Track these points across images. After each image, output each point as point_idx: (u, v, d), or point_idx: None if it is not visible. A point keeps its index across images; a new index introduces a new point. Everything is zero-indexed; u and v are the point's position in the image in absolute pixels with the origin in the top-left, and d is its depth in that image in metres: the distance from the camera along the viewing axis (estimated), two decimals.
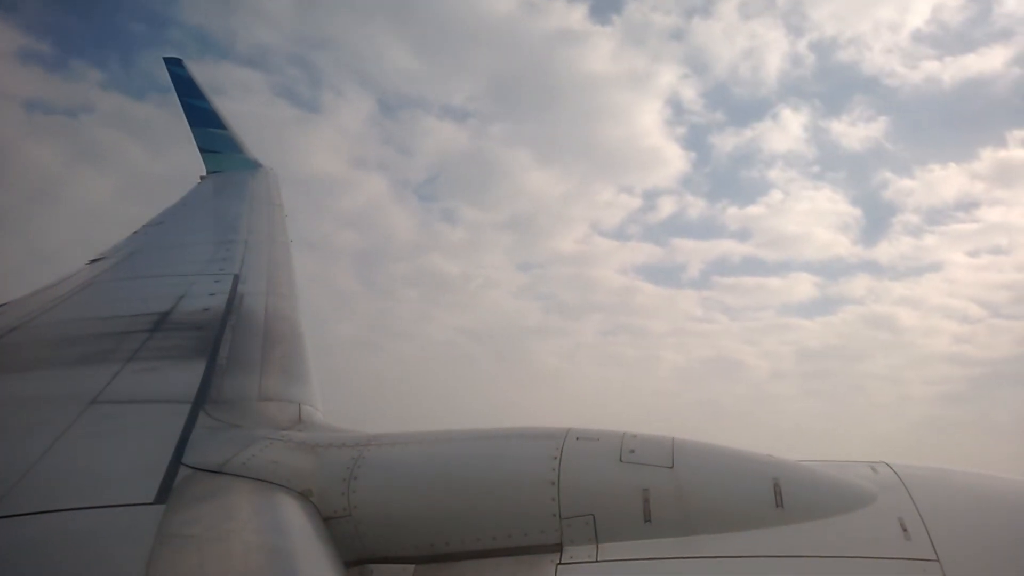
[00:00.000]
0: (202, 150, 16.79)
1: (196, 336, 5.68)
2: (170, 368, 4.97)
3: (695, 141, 59.39)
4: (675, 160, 57.20)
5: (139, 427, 4.10)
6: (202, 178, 16.43)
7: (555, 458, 3.56)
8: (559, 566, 3.31)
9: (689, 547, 3.28)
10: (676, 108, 55.73)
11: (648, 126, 56.47)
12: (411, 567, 3.53)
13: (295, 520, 3.34)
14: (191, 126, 16.77)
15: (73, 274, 8.39)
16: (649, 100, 58.29)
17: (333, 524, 3.48)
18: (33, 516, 3.06)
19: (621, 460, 3.55)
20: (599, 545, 3.36)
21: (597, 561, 3.30)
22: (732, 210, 56.13)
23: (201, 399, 4.41)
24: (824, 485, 3.52)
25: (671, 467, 3.50)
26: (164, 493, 3.26)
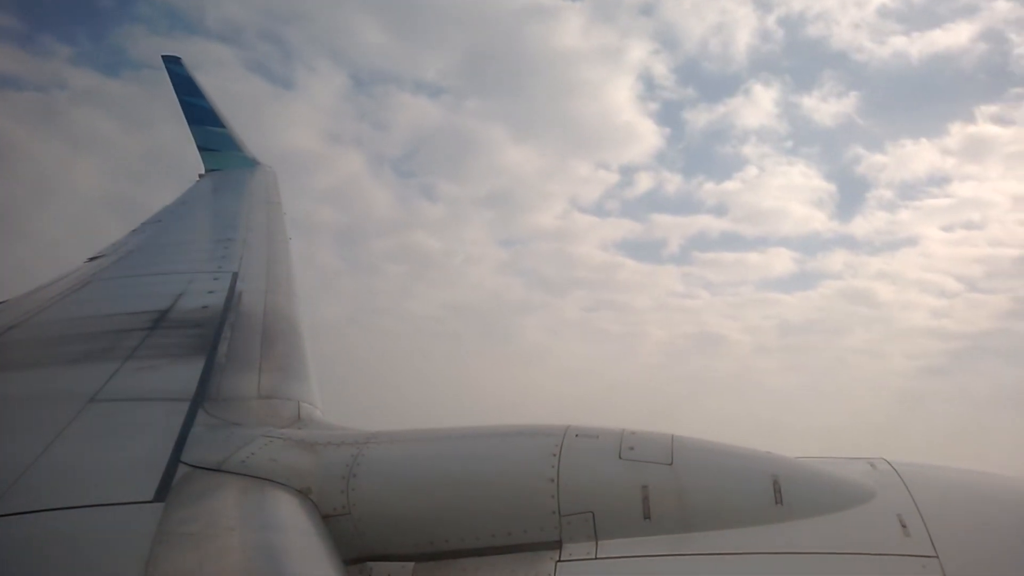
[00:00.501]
0: (201, 148, 16.79)
1: (195, 334, 5.67)
2: (169, 366, 4.97)
3: (669, 117, 59.48)
4: (649, 136, 57.34)
5: (138, 425, 4.09)
6: (201, 176, 16.44)
7: (554, 455, 3.56)
8: (559, 563, 3.31)
9: (688, 544, 3.28)
10: (648, 84, 55.84)
11: (621, 102, 56.56)
12: (411, 565, 3.53)
13: (294, 518, 3.34)
14: (190, 124, 16.77)
15: (72, 272, 8.38)
16: (621, 76, 58.34)
17: (332, 522, 3.48)
18: (32, 515, 3.06)
19: (620, 457, 3.55)
20: (598, 542, 3.36)
21: (596, 558, 3.30)
22: (708, 186, 56.34)
23: (200, 397, 4.41)
24: (823, 482, 3.52)
25: (670, 464, 3.50)
26: (163, 491, 3.26)
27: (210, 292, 6.86)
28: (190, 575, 2.70)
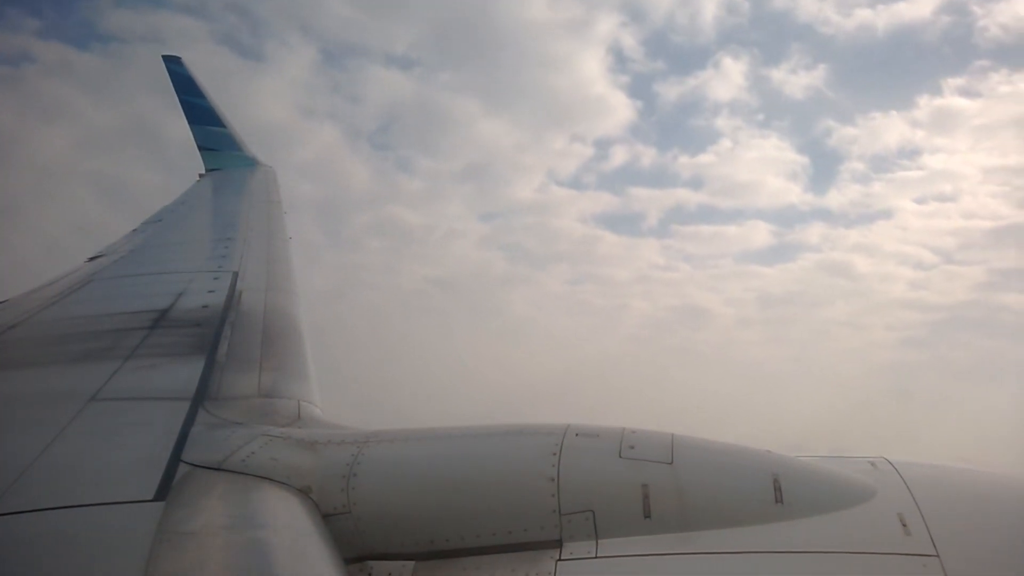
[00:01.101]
0: (201, 148, 16.79)
1: (195, 333, 5.67)
2: (169, 365, 4.97)
3: (640, 90, 59.63)
4: (622, 109, 57.49)
5: (138, 424, 4.09)
6: (201, 176, 16.45)
7: (555, 454, 3.56)
8: (559, 562, 3.31)
9: (689, 543, 3.28)
10: (618, 57, 55.97)
11: (592, 75, 56.66)
12: (411, 564, 3.53)
13: (295, 517, 3.33)
14: (190, 124, 16.77)
15: (72, 271, 8.39)
16: (590, 48, 58.48)
17: (333, 521, 3.48)
18: (33, 513, 3.06)
19: (621, 456, 3.54)
20: (599, 541, 3.36)
21: (597, 557, 3.30)
22: (683, 159, 56.55)
23: (200, 396, 4.41)
24: (824, 481, 3.52)
25: (671, 463, 3.50)
26: (164, 490, 3.25)
27: (210, 291, 6.86)
28: (191, 574, 2.70)
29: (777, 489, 3.40)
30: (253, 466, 3.58)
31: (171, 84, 16.64)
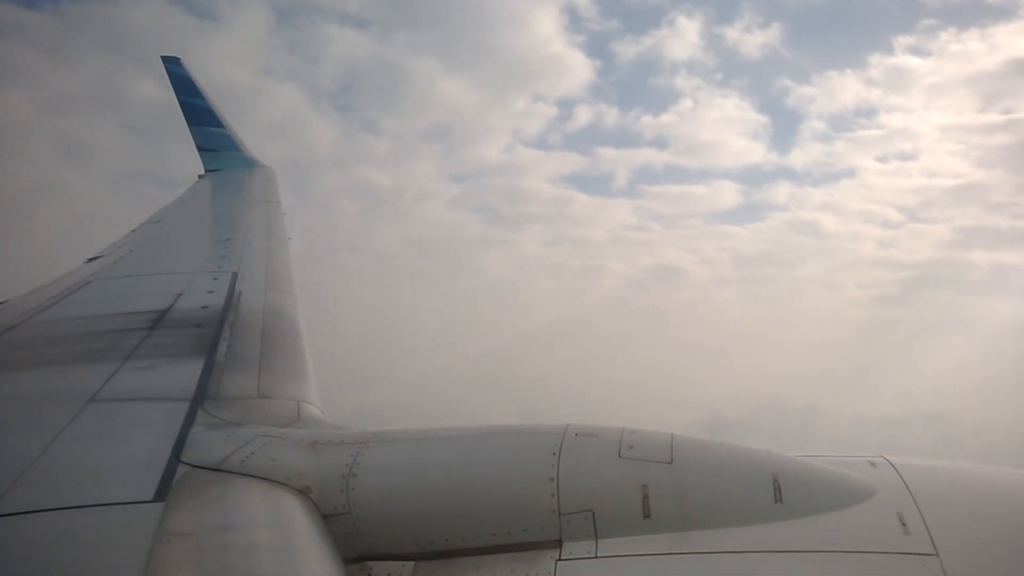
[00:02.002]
0: (200, 148, 16.80)
1: (195, 334, 5.67)
2: (169, 366, 4.97)
3: (597, 49, 60.01)
4: (581, 68, 57.96)
5: (138, 425, 4.09)
6: (200, 176, 16.45)
7: (554, 454, 3.56)
8: (559, 562, 3.31)
9: (688, 543, 3.28)
10: (572, 16, 56.27)
11: (548, 33, 57.09)
12: (411, 564, 3.53)
13: (294, 518, 3.33)
14: (189, 125, 16.77)
15: (71, 272, 8.39)
16: (544, 7, 58.85)
17: (332, 521, 3.48)
18: (32, 514, 3.06)
19: (620, 456, 3.54)
20: (598, 541, 3.36)
21: (596, 557, 3.30)
22: (646, 119, 56.99)
23: (200, 397, 4.41)
24: (823, 480, 3.52)
25: (670, 463, 3.50)
26: (163, 491, 3.25)
27: (210, 292, 6.87)
28: (190, 575, 2.70)
29: (776, 489, 3.40)
30: (252, 467, 3.58)
31: (170, 85, 16.64)
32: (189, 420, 4.04)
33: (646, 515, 3.37)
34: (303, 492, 3.55)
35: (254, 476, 3.54)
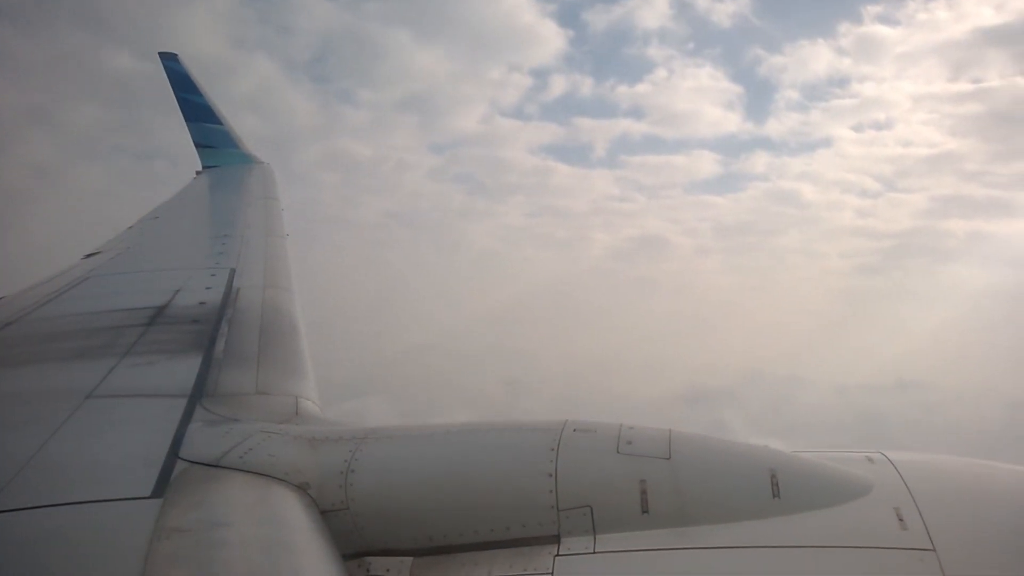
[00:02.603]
0: (198, 145, 16.80)
1: (192, 330, 5.67)
2: (166, 362, 4.96)
3: (569, 18, 60.12)
4: (554, 38, 57.91)
5: (136, 421, 4.09)
6: (198, 173, 16.45)
7: (552, 450, 3.56)
8: (557, 558, 3.31)
9: (686, 538, 3.29)
10: None
11: (520, 2, 56.75)
12: (409, 559, 3.53)
13: (293, 513, 3.33)
14: (187, 121, 16.76)
15: (69, 269, 8.37)
16: None
17: (331, 517, 3.48)
18: (30, 511, 3.06)
19: (618, 452, 3.55)
20: (597, 536, 3.36)
21: (595, 552, 3.30)
22: (622, 88, 57.15)
23: (198, 393, 4.41)
24: (820, 476, 3.52)
25: (668, 458, 3.51)
26: (161, 487, 3.25)
27: (208, 288, 6.86)
28: (188, 571, 2.70)
29: (774, 484, 3.40)
30: (251, 463, 3.58)
31: (168, 81, 16.61)
32: (187, 416, 4.04)
33: (644, 510, 3.37)
34: (301, 488, 3.55)
35: (252, 472, 3.54)
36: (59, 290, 7.19)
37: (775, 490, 3.39)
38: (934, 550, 3.10)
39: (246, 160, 16.91)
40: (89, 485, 3.28)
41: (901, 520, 3.25)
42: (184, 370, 4.74)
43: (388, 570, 3.52)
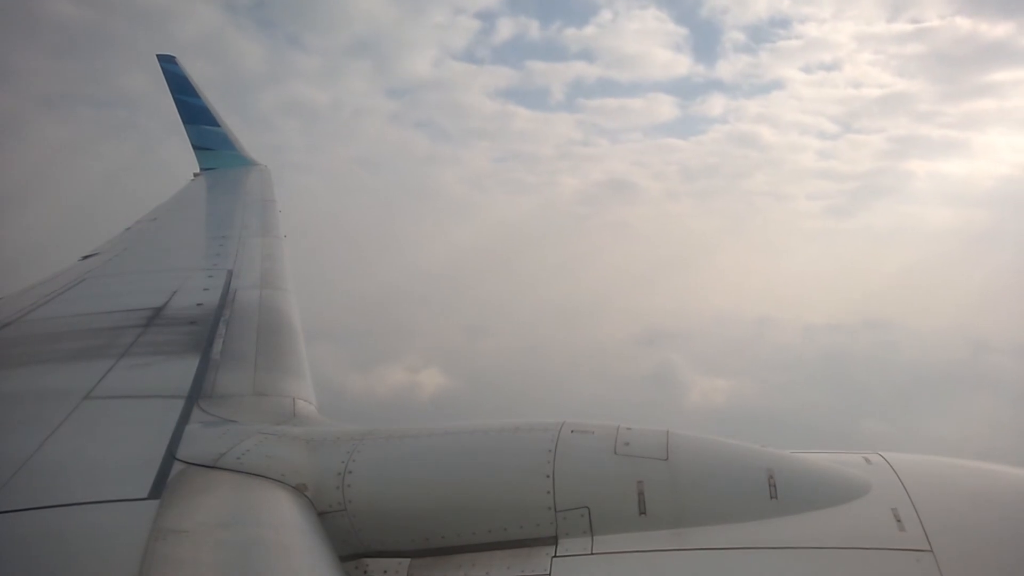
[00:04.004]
0: (196, 147, 16.82)
1: (190, 331, 5.67)
2: (164, 363, 4.96)
3: None
4: None
5: (133, 422, 4.09)
6: (196, 175, 16.45)
7: (550, 451, 3.56)
8: (554, 559, 3.31)
9: (684, 539, 3.29)
10: None
11: None
12: (407, 561, 3.53)
13: (290, 515, 3.33)
14: (185, 123, 16.79)
15: (66, 270, 8.37)
16: None
17: (328, 519, 3.48)
18: (27, 512, 3.05)
19: (616, 452, 3.55)
20: (594, 537, 3.36)
21: (592, 553, 3.30)
22: (570, 31, 57.02)
23: (195, 394, 4.40)
24: (818, 477, 3.52)
25: (666, 459, 3.51)
26: (158, 488, 3.24)
27: (205, 289, 6.86)
28: (186, 573, 2.69)
29: (772, 485, 3.40)
30: (248, 464, 3.58)
31: (165, 83, 16.62)
32: (184, 417, 4.04)
33: (642, 511, 3.37)
34: (299, 489, 3.54)
35: (249, 473, 3.54)
36: (57, 291, 7.19)
37: (773, 491, 3.39)
38: (932, 551, 3.10)
39: (243, 162, 16.93)
40: (86, 486, 3.28)
41: (899, 521, 3.25)
42: (181, 371, 4.74)
43: (385, 571, 3.51)
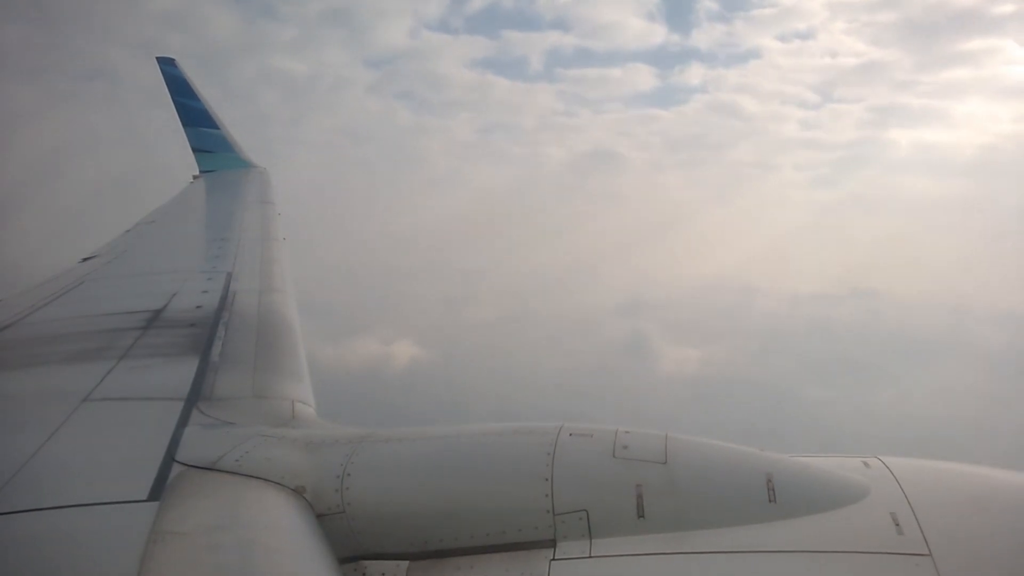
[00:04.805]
0: (195, 150, 16.84)
1: (189, 333, 5.67)
2: (163, 365, 4.96)
3: None
4: None
5: (132, 424, 4.09)
6: (195, 177, 16.46)
7: (548, 454, 3.56)
8: (553, 562, 3.31)
9: (682, 543, 3.29)
10: None
11: None
12: (405, 563, 3.53)
13: (288, 517, 3.33)
14: (184, 126, 16.81)
15: (66, 272, 8.37)
16: None
17: (327, 521, 3.48)
18: (27, 513, 3.05)
19: (614, 456, 3.55)
20: (592, 541, 3.36)
21: (591, 557, 3.30)
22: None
23: (194, 396, 4.41)
24: (817, 480, 3.53)
25: (664, 463, 3.51)
26: (157, 490, 3.25)
27: (204, 292, 6.87)
28: (184, 575, 2.70)
29: (770, 489, 3.41)
30: (247, 466, 3.58)
31: (165, 86, 16.64)
32: (183, 420, 4.04)
33: (640, 515, 3.37)
34: (297, 492, 3.54)
35: (248, 476, 3.54)
36: (56, 293, 7.19)
37: (771, 495, 3.39)
38: (930, 555, 3.10)
39: (242, 164, 16.94)
40: (85, 488, 3.28)
41: (897, 525, 3.25)
42: (180, 373, 4.74)
43: (384, 574, 3.51)
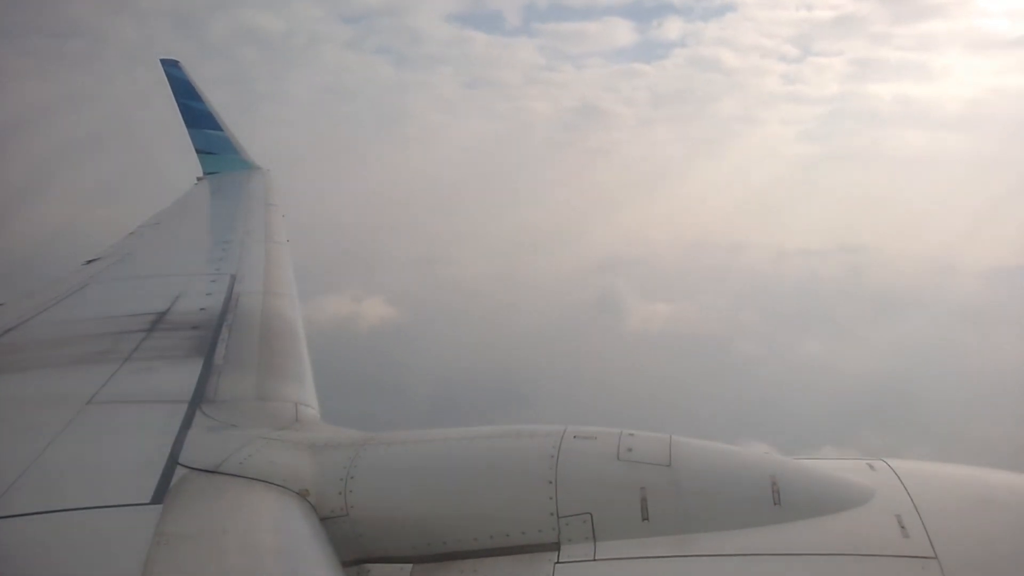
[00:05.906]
0: (199, 151, 16.87)
1: (193, 336, 5.67)
2: (167, 368, 4.96)
3: None
4: None
5: (135, 427, 4.09)
6: (199, 179, 16.50)
7: (552, 457, 3.55)
8: (557, 565, 3.30)
9: (687, 545, 3.28)
10: None
11: None
12: (409, 566, 3.52)
13: (292, 520, 3.33)
14: (188, 127, 16.84)
15: (70, 275, 8.39)
16: None
17: (330, 524, 3.48)
18: (30, 516, 3.05)
19: (619, 458, 3.54)
20: (597, 544, 3.35)
21: (595, 560, 3.30)
22: None
23: (198, 399, 4.41)
24: (821, 483, 3.52)
25: (669, 465, 3.50)
26: (161, 493, 3.25)
27: (208, 294, 6.87)
28: None
29: (775, 491, 3.40)
30: (250, 469, 3.58)
31: (169, 88, 16.68)
32: (187, 422, 4.04)
33: (644, 518, 3.37)
34: (301, 495, 3.54)
35: (252, 478, 3.54)
36: (60, 296, 7.20)
37: (776, 497, 3.38)
38: (936, 558, 3.09)
39: (246, 166, 16.98)
40: (89, 491, 3.28)
41: (903, 528, 3.24)
42: (184, 376, 4.74)
43: None
